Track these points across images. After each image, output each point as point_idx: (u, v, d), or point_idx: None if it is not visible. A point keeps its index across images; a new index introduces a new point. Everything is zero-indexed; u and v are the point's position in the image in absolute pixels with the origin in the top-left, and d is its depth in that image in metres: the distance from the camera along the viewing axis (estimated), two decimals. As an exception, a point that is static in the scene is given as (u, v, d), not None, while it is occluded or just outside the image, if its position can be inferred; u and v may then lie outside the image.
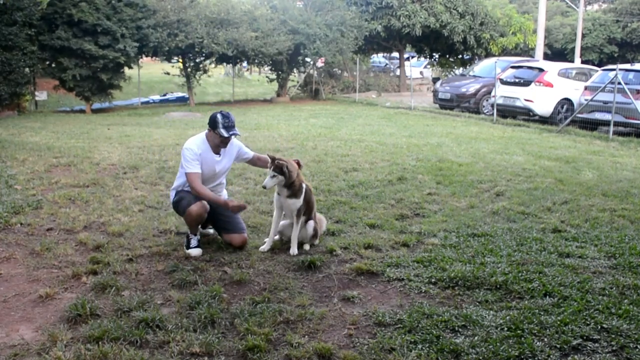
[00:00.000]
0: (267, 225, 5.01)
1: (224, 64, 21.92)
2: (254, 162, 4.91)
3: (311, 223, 4.65)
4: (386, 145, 9.89)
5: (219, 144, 4.55)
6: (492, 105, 15.37)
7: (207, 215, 4.62)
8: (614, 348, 3.13)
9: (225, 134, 4.44)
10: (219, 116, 4.46)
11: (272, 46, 18.87)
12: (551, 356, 3.03)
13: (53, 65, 17.09)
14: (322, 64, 23.33)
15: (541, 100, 14.42)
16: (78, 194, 6.11)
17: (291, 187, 4.43)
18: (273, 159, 4.42)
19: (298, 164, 4.61)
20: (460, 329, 3.29)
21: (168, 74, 19.58)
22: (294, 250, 4.50)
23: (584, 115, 12.78)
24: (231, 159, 4.76)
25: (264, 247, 4.55)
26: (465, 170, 7.77)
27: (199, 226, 4.67)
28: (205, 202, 4.47)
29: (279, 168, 4.34)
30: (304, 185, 4.53)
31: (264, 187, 4.47)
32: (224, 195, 4.91)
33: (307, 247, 4.65)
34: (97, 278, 3.95)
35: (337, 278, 4.09)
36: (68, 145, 9.14)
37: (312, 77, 22.84)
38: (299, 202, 4.47)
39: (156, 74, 25.82)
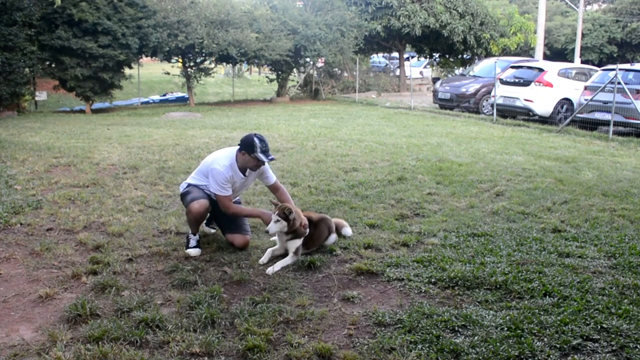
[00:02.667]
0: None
1: (224, 63, 21.92)
2: (272, 189, 4.79)
3: (333, 236, 4.72)
4: (386, 145, 9.89)
5: (252, 166, 4.47)
6: (492, 105, 15.38)
7: (213, 214, 4.63)
8: (614, 348, 3.13)
9: (265, 159, 4.36)
10: (256, 140, 4.34)
11: (273, 50, 18.89)
12: (551, 356, 3.03)
13: (53, 65, 17.09)
14: (322, 64, 23.34)
15: (541, 100, 14.43)
16: (78, 194, 6.11)
17: (292, 232, 4.37)
18: (277, 205, 4.37)
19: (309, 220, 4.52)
20: (460, 329, 3.29)
21: (168, 73, 19.60)
22: (273, 270, 4.20)
23: (584, 115, 12.79)
24: (254, 178, 4.72)
25: (263, 259, 4.40)
26: (465, 170, 7.77)
27: (201, 224, 4.67)
28: (207, 202, 4.47)
29: (284, 215, 4.27)
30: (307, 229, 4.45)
31: (267, 232, 4.39)
32: (236, 199, 4.90)
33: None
34: (97, 278, 3.95)
35: (337, 278, 4.09)
36: (68, 145, 9.14)
37: (311, 77, 22.85)
38: (299, 242, 4.41)
39: (156, 74, 25.84)
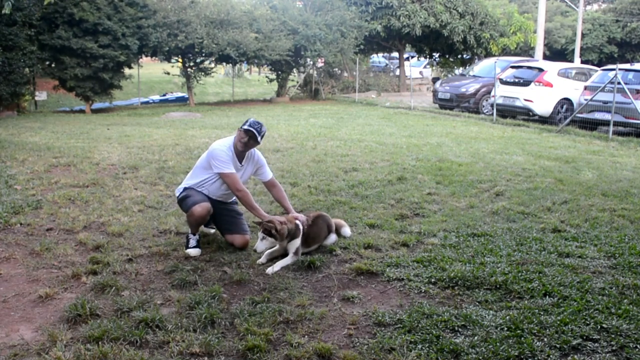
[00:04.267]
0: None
1: (224, 63, 21.93)
2: (268, 186, 4.81)
3: (333, 236, 4.72)
4: (386, 145, 9.89)
5: (237, 142, 4.48)
6: (492, 105, 15.37)
7: (212, 216, 4.63)
8: (613, 348, 3.13)
9: (245, 126, 4.40)
10: (251, 119, 4.50)
11: (273, 50, 18.91)
12: (551, 356, 3.03)
13: (53, 65, 17.09)
14: (322, 64, 23.35)
15: (541, 100, 14.43)
16: (78, 194, 6.11)
17: (287, 237, 4.36)
18: (259, 223, 4.34)
19: (309, 222, 4.50)
20: (460, 329, 3.29)
21: (168, 73, 19.61)
22: (272, 270, 4.19)
23: (584, 115, 12.79)
24: (250, 173, 4.72)
25: (262, 260, 4.39)
26: (465, 170, 7.77)
27: (201, 226, 4.68)
28: (209, 205, 4.48)
29: (267, 231, 4.26)
30: (300, 226, 4.42)
31: (255, 251, 4.36)
32: (233, 199, 4.90)
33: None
34: (97, 278, 3.95)
35: (337, 278, 4.09)
36: (68, 145, 9.14)
37: (311, 77, 22.84)
38: (297, 241, 4.40)
39: (156, 74, 25.84)
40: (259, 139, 4.44)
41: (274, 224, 4.26)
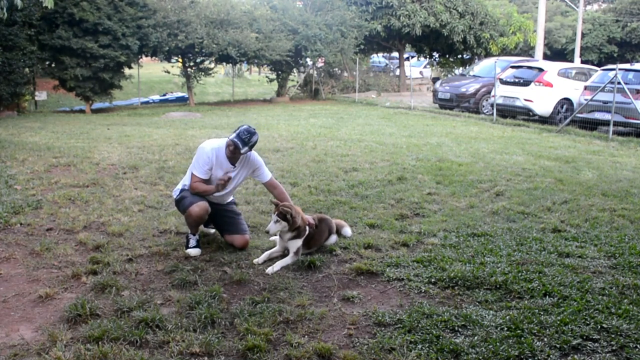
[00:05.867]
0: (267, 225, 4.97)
1: (224, 63, 21.93)
2: (268, 188, 4.80)
3: (334, 236, 4.74)
4: (386, 145, 9.89)
5: (229, 153, 4.46)
6: (492, 105, 15.37)
7: (209, 216, 4.63)
8: (613, 348, 3.13)
9: (233, 136, 4.37)
10: (243, 126, 4.44)
11: (273, 50, 18.91)
12: (551, 356, 3.03)
13: (53, 65, 17.09)
14: (322, 64, 23.34)
15: (541, 100, 14.43)
16: (78, 194, 6.11)
17: (294, 230, 4.38)
18: (277, 205, 4.39)
19: (315, 223, 4.53)
20: (460, 329, 3.30)
21: (168, 72, 19.62)
22: (272, 269, 4.20)
23: (584, 115, 12.79)
24: (246, 174, 4.71)
25: (259, 260, 4.39)
26: (465, 170, 7.77)
27: (200, 226, 4.68)
28: (207, 204, 4.48)
29: (282, 215, 4.30)
30: (307, 228, 4.46)
31: (267, 232, 4.44)
32: (230, 200, 4.90)
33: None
34: (97, 278, 3.95)
35: (337, 278, 4.09)
36: (68, 145, 9.14)
37: (311, 77, 22.84)
38: (299, 241, 4.41)
39: (156, 74, 25.85)
40: (242, 150, 4.39)
41: (291, 209, 4.32)
